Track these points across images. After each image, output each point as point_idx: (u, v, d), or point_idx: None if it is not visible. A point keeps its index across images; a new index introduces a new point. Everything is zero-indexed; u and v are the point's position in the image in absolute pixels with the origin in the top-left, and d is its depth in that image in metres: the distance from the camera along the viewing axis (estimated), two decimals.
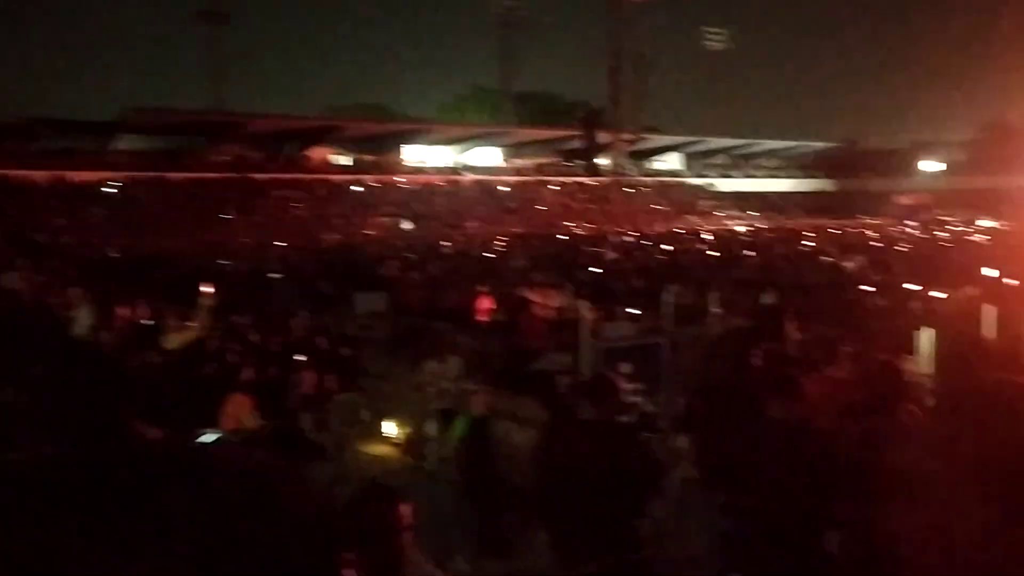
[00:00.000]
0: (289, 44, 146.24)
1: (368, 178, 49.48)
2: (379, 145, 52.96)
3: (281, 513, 2.51)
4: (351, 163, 52.14)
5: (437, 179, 52.85)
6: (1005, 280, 12.77)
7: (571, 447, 3.52)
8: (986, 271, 13.68)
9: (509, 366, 9.41)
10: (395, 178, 50.96)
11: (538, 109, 70.33)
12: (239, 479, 2.80)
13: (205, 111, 49.36)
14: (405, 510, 2.35)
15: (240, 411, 6.19)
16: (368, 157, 52.20)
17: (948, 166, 62.59)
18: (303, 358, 7.60)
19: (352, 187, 47.59)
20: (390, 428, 7.04)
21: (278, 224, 36.67)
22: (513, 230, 36.32)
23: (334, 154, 52.15)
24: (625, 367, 7.27)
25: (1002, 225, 35.65)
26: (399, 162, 54.28)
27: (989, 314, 8.14)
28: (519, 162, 59.08)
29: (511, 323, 11.63)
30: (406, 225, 41.82)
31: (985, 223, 37.55)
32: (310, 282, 16.43)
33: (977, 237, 27.23)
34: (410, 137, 55.45)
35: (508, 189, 53.27)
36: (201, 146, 47.00)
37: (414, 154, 55.53)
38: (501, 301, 12.84)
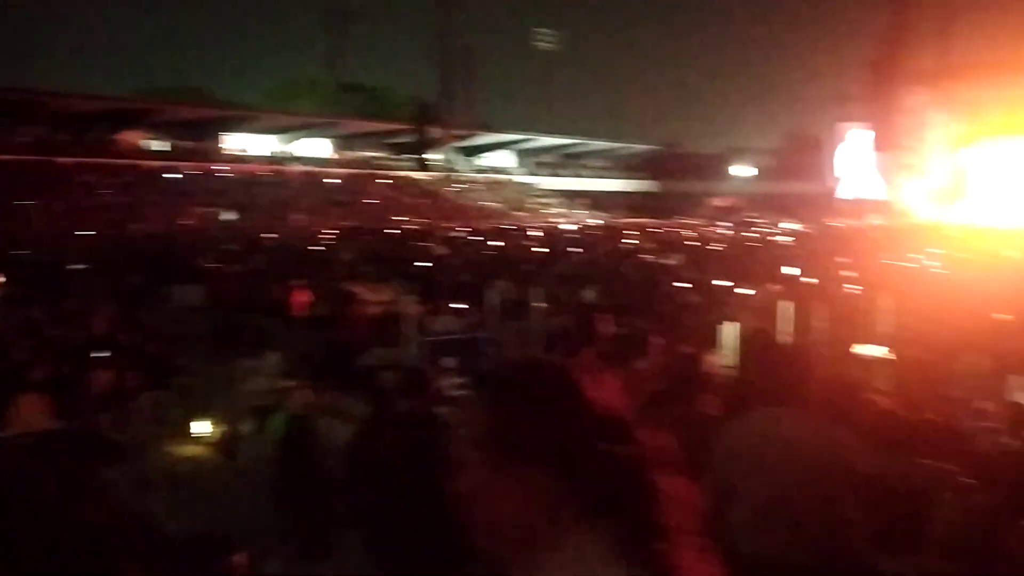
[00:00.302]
0: (104, 20, 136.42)
1: (186, 166, 47.06)
2: (199, 132, 50.46)
3: (63, 520, 2.33)
4: (168, 149, 49.41)
5: (261, 169, 51.03)
6: (803, 279, 13.90)
7: (385, 443, 3.49)
8: (787, 270, 14.82)
9: (332, 361, 9.24)
10: (215, 167, 48.75)
11: (368, 101, 69.45)
12: (17, 485, 2.58)
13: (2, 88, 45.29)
14: (240, 559, 2.24)
15: (30, 412, 5.73)
16: (186, 144, 49.65)
17: (757, 171, 67.17)
18: (103, 355, 7.12)
19: (167, 175, 45.12)
20: (202, 427, 6.73)
21: (83, 212, 34.22)
22: (341, 223, 35.69)
23: (148, 139, 49.21)
24: (449, 361, 7.33)
25: (803, 227, 38.67)
26: (220, 150, 52.00)
27: (787, 309, 8.82)
28: (348, 154, 58.13)
29: (335, 318, 11.44)
30: (227, 216, 40.17)
31: (788, 225, 40.53)
32: (118, 274, 15.45)
33: (780, 238, 29.31)
34: (233, 124, 53.22)
35: (336, 182, 52.28)
36: None
37: (237, 142, 53.35)
38: (326, 295, 12.61)
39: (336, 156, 57.82)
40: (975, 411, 5.52)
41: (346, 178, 53.15)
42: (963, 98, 51.60)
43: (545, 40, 71.20)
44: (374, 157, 59.07)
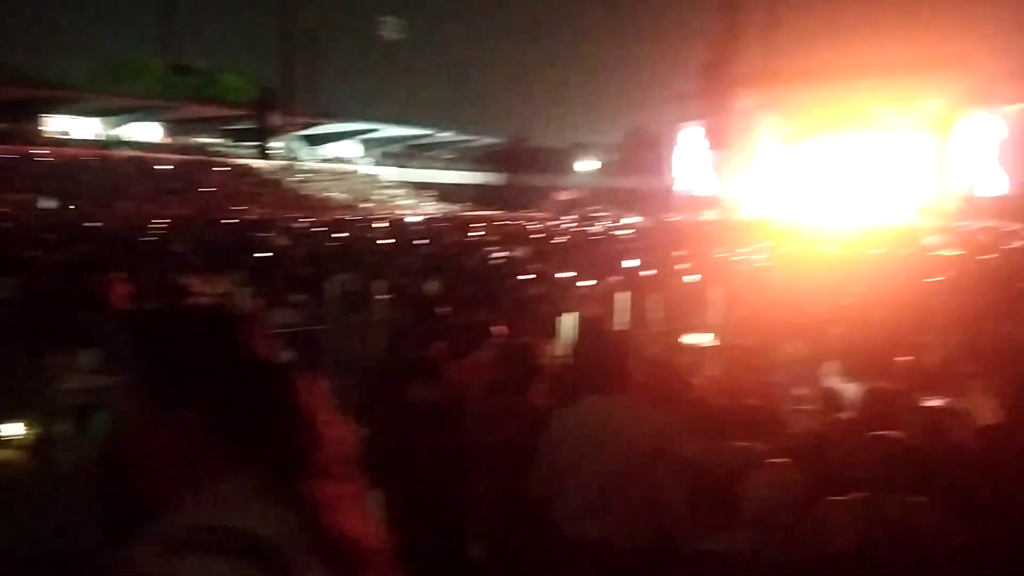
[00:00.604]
0: None
1: (1, 149, 43.55)
2: (14, 112, 46.71)
3: None
4: None
5: (85, 154, 47.87)
6: (641, 271, 14.43)
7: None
8: (626, 262, 15.32)
9: (159, 357, 8.78)
10: (34, 151, 45.35)
11: (203, 85, 66.43)
12: None
13: None
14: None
15: None
16: (1, 125, 45.91)
17: (601, 166, 69.21)
18: None
19: None
20: (8, 429, 6.22)
21: None
22: (173, 213, 34.04)
23: None
24: (286, 355, 7.10)
25: (642, 221, 40.16)
26: (40, 133, 48.40)
27: (624, 300, 9.15)
28: (181, 140, 55.48)
29: (167, 311, 10.91)
30: (47, 203, 37.48)
31: (629, 219, 41.97)
32: None
33: (621, 232, 30.28)
34: (53, 106, 49.61)
35: (168, 169, 49.80)
36: None
37: (58, 125, 49.82)
38: (155, 288, 11.99)
39: (168, 142, 55.06)
40: (792, 395, 5.91)
41: (179, 165, 50.71)
42: (788, 101, 55.33)
43: (391, 28, 70.52)
44: (210, 144, 56.67)
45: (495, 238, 23.53)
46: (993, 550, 2.72)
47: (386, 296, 9.21)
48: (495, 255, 17.99)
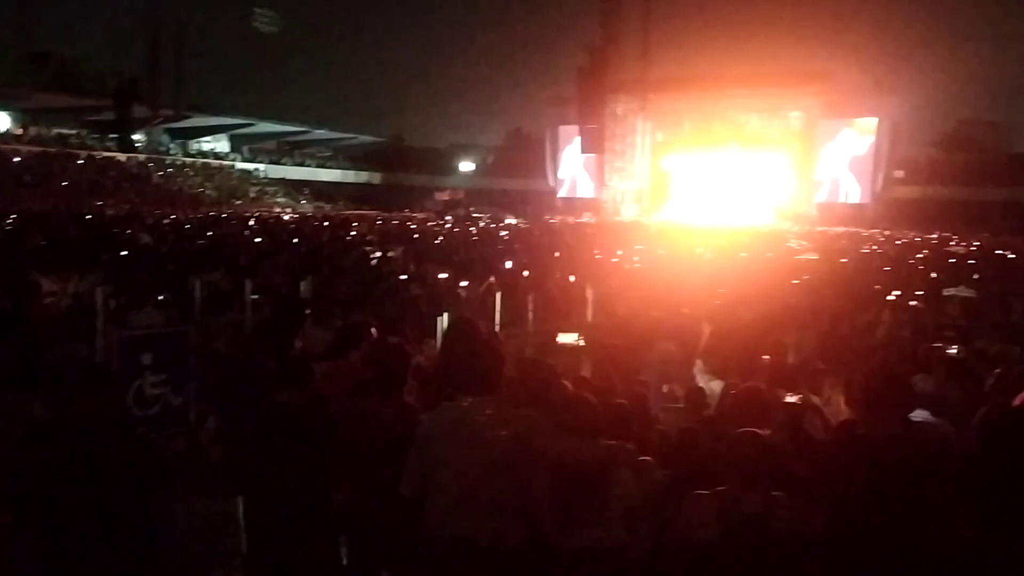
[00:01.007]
0: None
1: None
2: None
3: None
4: None
5: None
6: (521, 272, 14.57)
7: (59, 447, 3.17)
8: (505, 264, 15.44)
9: (12, 360, 8.24)
10: None
11: (61, 73, 62.72)
12: None
13: None
14: None
15: None
16: None
17: (480, 167, 69.43)
18: None
19: None
20: None
21: None
22: (27, 206, 32.00)
23: None
24: (148, 357, 6.78)
25: (522, 223, 40.56)
26: None
27: (500, 301, 9.21)
28: (37, 131, 52.26)
29: (16, 311, 10.24)
30: None
31: (509, 220, 42.31)
32: None
33: (501, 233, 30.49)
34: None
35: (21, 160, 46.86)
36: None
37: None
38: (5, 286, 11.25)
39: (21, 132, 51.79)
40: (662, 393, 6.10)
41: (34, 157, 47.80)
42: (663, 109, 57.15)
43: (266, 21, 68.61)
44: (69, 135, 53.63)
45: (372, 238, 23.26)
46: (847, 541, 2.87)
47: (256, 296, 8.94)
48: (372, 255, 17.78)
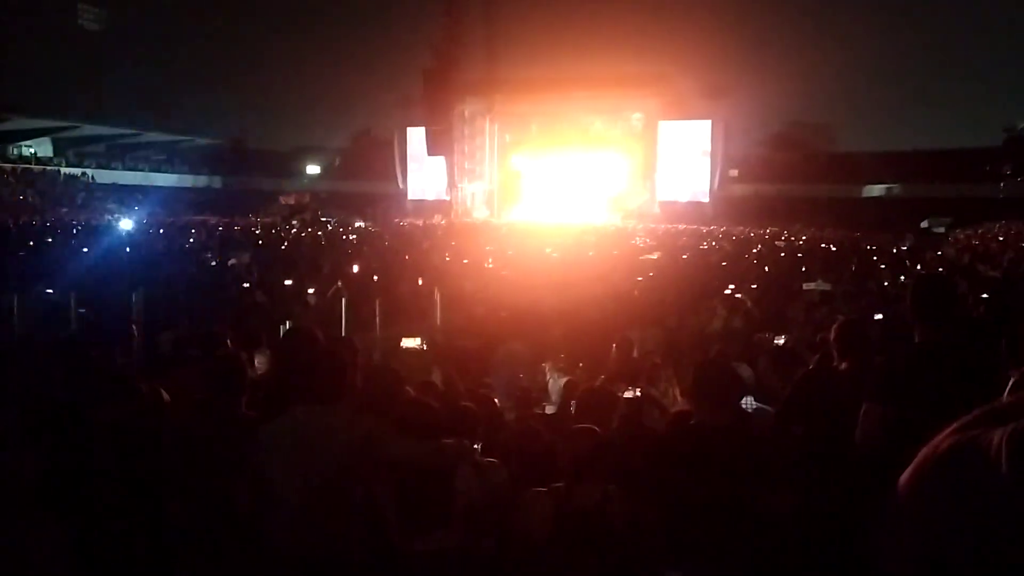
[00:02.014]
0: None
1: None
2: None
3: None
4: None
5: None
6: (367, 276, 14.42)
7: None
8: (352, 267, 15.23)
9: None
10: None
11: None
12: None
13: None
14: None
15: None
16: None
17: (327, 170, 68.12)
18: None
19: None
20: None
21: None
22: None
23: None
24: None
25: (369, 226, 40.16)
26: None
27: (346, 305, 9.09)
28: None
29: None
30: None
31: (358, 223, 41.78)
32: None
33: (350, 237, 30.08)
34: None
35: None
36: None
37: None
38: None
39: None
40: (508, 392, 6.17)
41: None
42: (510, 110, 57.95)
43: (91, 18, 64.66)
44: None
45: (216, 244, 22.41)
46: (681, 529, 3.00)
47: (83, 310, 8.44)
48: (216, 262, 17.14)
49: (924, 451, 1.07)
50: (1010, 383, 2.87)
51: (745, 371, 5.31)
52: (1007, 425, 0.94)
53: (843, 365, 3.95)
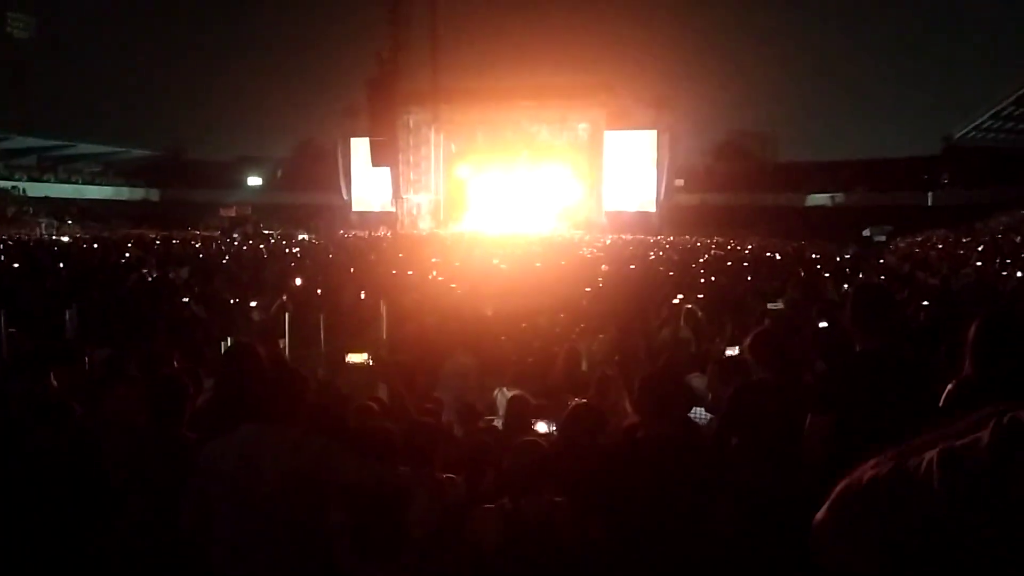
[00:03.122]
0: None
1: None
2: None
3: None
4: None
5: None
6: (312, 290, 14.28)
7: None
8: (296, 282, 15.06)
9: None
10: None
11: None
12: None
13: None
14: None
15: None
16: None
17: (269, 181, 67.24)
18: None
19: None
20: None
21: None
22: None
23: None
24: None
25: (312, 238, 39.79)
26: None
27: (290, 321, 8.99)
28: None
29: None
30: None
31: (302, 236, 41.36)
32: None
33: (293, 250, 29.76)
34: None
35: None
36: None
37: None
38: None
39: None
40: (458, 408, 6.16)
41: None
42: (455, 120, 57.88)
43: (20, 26, 63.07)
44: None
45: (154, 259, 21.97)
46: (627, 542, 3.02)
47: (13, 329, 8.19)
48: (154, 277, 16.81)
49: (842, 486, 1.10)
50: (947, 390, 2.96)
51: (697, 381, 5.37)
52: (935, 447, 0.98)
53: (776, 376, 4.01)
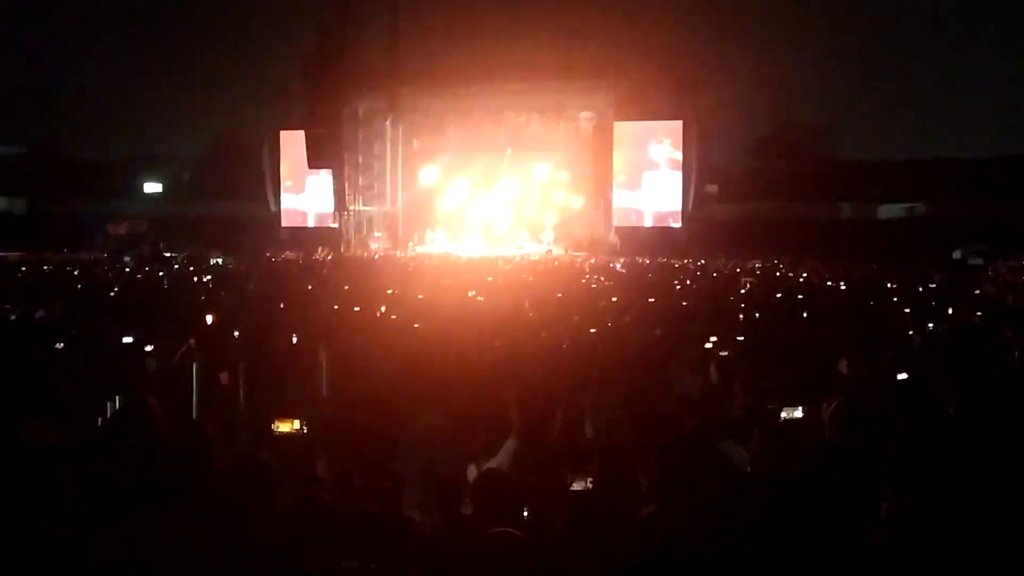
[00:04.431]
0: None
1: None
2: None
3: None
4: None
5: None
6: (232, 333, 14.23)
7: None
8: (209, 318, 15.03)
9: None
10: None
11: None
12: None
13: None
14: None
15: None
16: None
17: (173, 188, 67.18)
18: None
19: None
20: None
21: None
22: None
23: None
24: None
25: (230, 262, 39.72)
26: None
27: (200, 374, 8.96)
28: None
29: None
30: None
31: (217, 259, 41.29)
32: None
33: (204, 277, 29.72)
34: None
35: None
36: None
37: None
38: None
39: None
40: (424, 487, 6.14)
41: None
42: (419, 108, 57.71)
43: None
44: None
45: (11, 289, 21.91)
46: None
47: None
48: (12, 315, 16.75)
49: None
50: None
51: (737, 453, 5.35)
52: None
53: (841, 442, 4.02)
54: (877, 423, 4.13)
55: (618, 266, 39.62)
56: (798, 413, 6.24)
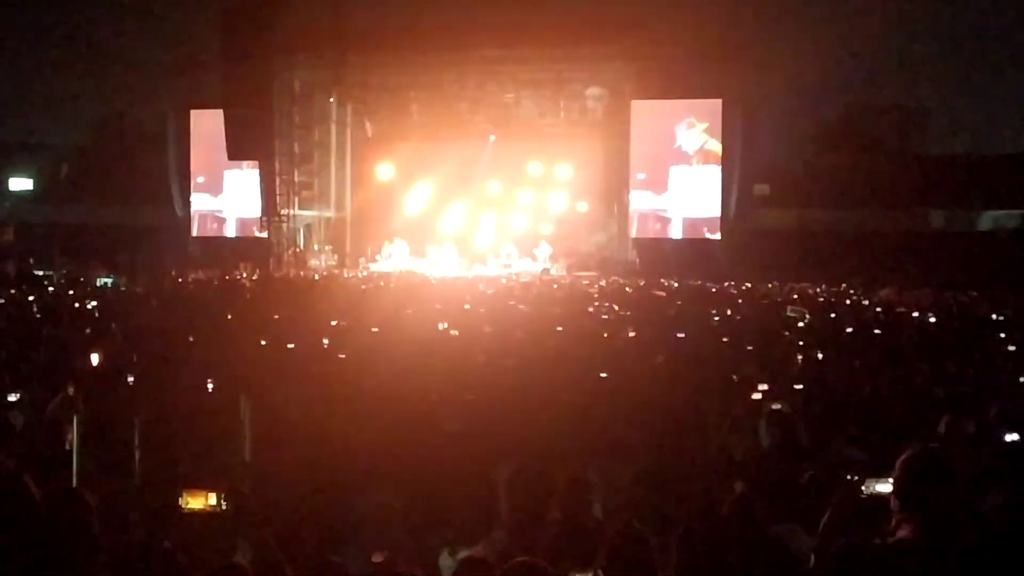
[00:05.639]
0: None
1: None
2: None
3: None
4: None
5: None
6: (122, 375, 14.25)
7: None
8: (93, 358, 15.05)
9: None
10: None
11: None
12: None
13: None
14: None
15: None
16: None
17: (47, 186, 67.08)
18: None
19: None
20: None
21: None
22: None
23: None
24: None
25: (122, 283, 39.70)
26: None
27: (87, 427, 8.95)
28: None
29: None
30: None
31: (103, 280, 41.31)
32: None
33: (89, 304, 29.74)
34: None
35: None
36: None
37: None
38: None
39: None
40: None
41: None
42: (372, 82, 57.22)
43: None
44: None
45: None
46: None
47: None
48: None
49: None
50: None
51: (799, 540, 5.35)
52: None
53: (902, 530, 4.00)
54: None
55: (636, 291, 39.58)
56: (886, 487, 6.11)
